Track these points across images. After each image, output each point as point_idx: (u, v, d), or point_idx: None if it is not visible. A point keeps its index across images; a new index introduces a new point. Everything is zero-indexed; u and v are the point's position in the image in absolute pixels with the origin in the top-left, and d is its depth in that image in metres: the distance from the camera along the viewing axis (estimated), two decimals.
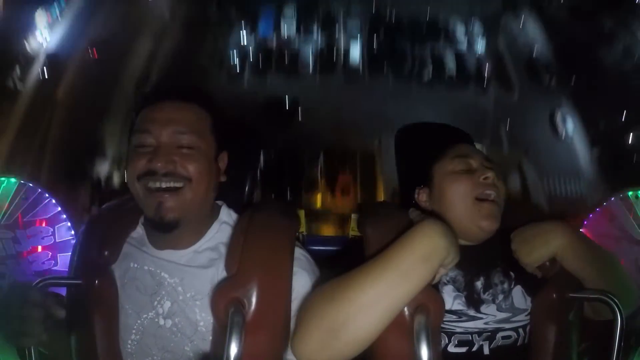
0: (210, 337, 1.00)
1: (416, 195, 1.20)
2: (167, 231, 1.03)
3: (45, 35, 3.68)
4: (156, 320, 1.03)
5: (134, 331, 1.04)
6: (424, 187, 1.19)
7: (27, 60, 3.58)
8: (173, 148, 1.03)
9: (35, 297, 0.95)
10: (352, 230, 2.02)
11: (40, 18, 3.66)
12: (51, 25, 3.76)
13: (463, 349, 1.07)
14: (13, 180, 2.46)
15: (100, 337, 1.03)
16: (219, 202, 1.16)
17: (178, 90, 1.11)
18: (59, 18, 3.86)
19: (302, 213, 1.83)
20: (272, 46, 6.24)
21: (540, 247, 1.08)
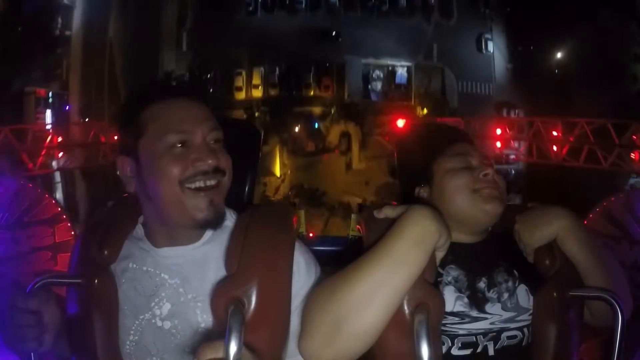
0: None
1: (416, 195, 1.21)
2: (216, 227, 1.04)
3: None
4: (153, 321, 1.02)
5: (132, 332, 1.03)
6: (424, 186, 1.20)
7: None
8: (211, 144, 1.03)
9: (31, 303, 0.95)
10: (352, 231, 2.03)
11: None
12: None
13: (467, 351, 1.07)
14: (13, 180, 2.47)
15: (99, 337, 1.03)
16: None
17: (188, 87, 1.10)
18: None
19: (301, 213, 1.84)
20: None
21: (543, 226, 1.10)
